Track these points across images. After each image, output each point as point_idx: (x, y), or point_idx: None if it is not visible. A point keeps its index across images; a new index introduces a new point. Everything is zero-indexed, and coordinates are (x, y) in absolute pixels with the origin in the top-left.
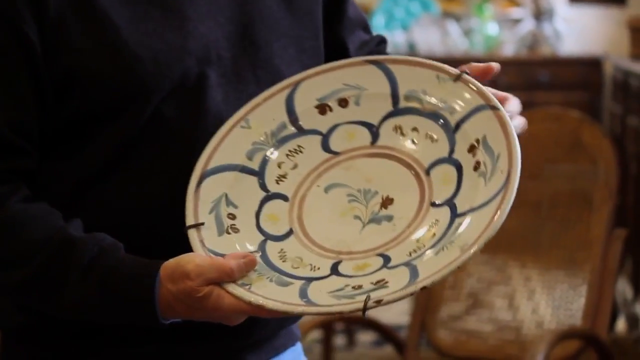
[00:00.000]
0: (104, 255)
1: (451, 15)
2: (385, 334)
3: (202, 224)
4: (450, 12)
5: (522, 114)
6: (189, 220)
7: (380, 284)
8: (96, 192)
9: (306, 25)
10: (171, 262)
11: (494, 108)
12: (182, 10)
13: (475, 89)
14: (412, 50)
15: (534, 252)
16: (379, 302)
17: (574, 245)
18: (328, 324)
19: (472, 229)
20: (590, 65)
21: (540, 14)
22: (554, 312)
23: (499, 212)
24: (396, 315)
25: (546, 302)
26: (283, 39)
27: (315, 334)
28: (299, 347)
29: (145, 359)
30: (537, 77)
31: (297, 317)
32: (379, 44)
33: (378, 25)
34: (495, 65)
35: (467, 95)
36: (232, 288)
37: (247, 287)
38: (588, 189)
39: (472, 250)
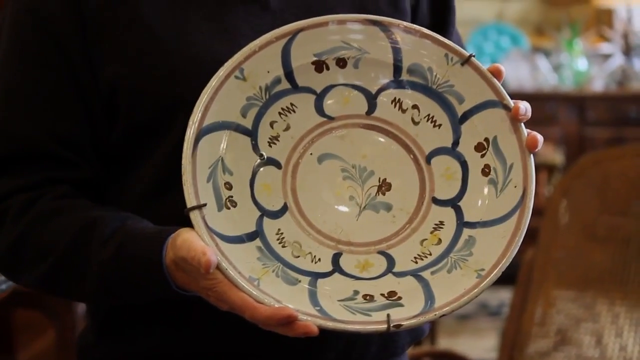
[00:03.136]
0: (124, 227)
1: (541, 50)
2: None
3: (205, 204)
4: (539, 47)
5: (611, 149)
6: (190, 196)
7: (393, 299)
8: (154, 208)
9: None
10: (178, 230)
11: (507, 108)
12: (237, 26)
13: (486, 78)
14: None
15: (623, 290)
16: (398, 327)
17: None
18: (416, 358)
19: (487, 250)
20: None
21: (630, 50)
22: None
23: (517, 238)
24: (484, 351)
25: (634, 340)
26: None
27: None
28: None
29: None
30: (626, 113)
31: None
32: None
33: None
34: (504, 70)
35: (477, 85)
36: (243, 284)
37: (256, 282)
38: None
39: (489, 279)
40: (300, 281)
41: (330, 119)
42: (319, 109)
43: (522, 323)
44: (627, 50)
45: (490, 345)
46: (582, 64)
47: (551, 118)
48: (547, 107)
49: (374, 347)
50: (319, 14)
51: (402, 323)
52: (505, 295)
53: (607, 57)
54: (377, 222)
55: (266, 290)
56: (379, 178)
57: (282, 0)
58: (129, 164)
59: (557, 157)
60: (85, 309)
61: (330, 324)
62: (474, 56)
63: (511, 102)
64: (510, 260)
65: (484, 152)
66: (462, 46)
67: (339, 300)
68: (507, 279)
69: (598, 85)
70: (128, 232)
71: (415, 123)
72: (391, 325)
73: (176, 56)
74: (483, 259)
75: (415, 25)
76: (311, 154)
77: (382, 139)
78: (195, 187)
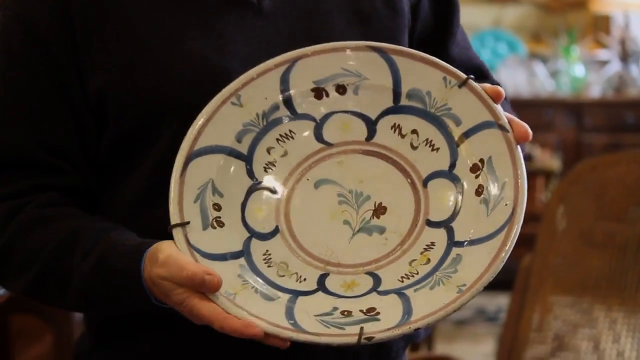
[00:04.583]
0: (107, 239)
1: (538, 57)
2: None
3: (188, 222)
4: (537, 54)
5: (608, 155)
6: (174, 214)
7: (372, 314)
8: (147, 217)
9: None
10: (157, 244)
11: (502, 128)
12: (228, 33)
13: (483, 100)
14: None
15: (620, 295)
16: (369, 339)
17: None
18: None
19: (472, 267)
20: None
21: (627, 56)
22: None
23: (501, 254)
24: (481, 356)
25: (631, 346)
26: None
27: None
28: None
29: None
30: (623, 119)
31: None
32: None
33: None
34: (503, 92)
35: (474, 106)
36: (216, 298)
37: (232, 296)
38: None
39: (469, 294)
40: (279, 297)
41: (329, 145)
42: (318, 135)
43: (520, 329)
44: (625, 57)
45: (488, 351)
46: (579, 70)
47: (548, 124)
48: (544, 113)
49: (365, 355)
50: (313, 19)
51: (374, 335)
52: (502, 301)
53: (604, 63)
54: (369, 245)
55: (241, 304)
56: (375, 202)
57: (275, 5)
58: (118, 172)
59: (554, 163)
60: (82, 315)
61: (301, 337)
62: (471, 78)
63: (507, 123)
64: (493, 276)
65: (478, 172)
66: (469, 46)
67: (315, 315)
68: (504, 284)
69: (595, 91)
70: (109, 244)
71: (414, 148)
72: (363, 337)
73: (166, 64)
74: (466, 275)
75: (413, 50)
76: (308, 179)
77: (380, 165)
78: (181, 206)
